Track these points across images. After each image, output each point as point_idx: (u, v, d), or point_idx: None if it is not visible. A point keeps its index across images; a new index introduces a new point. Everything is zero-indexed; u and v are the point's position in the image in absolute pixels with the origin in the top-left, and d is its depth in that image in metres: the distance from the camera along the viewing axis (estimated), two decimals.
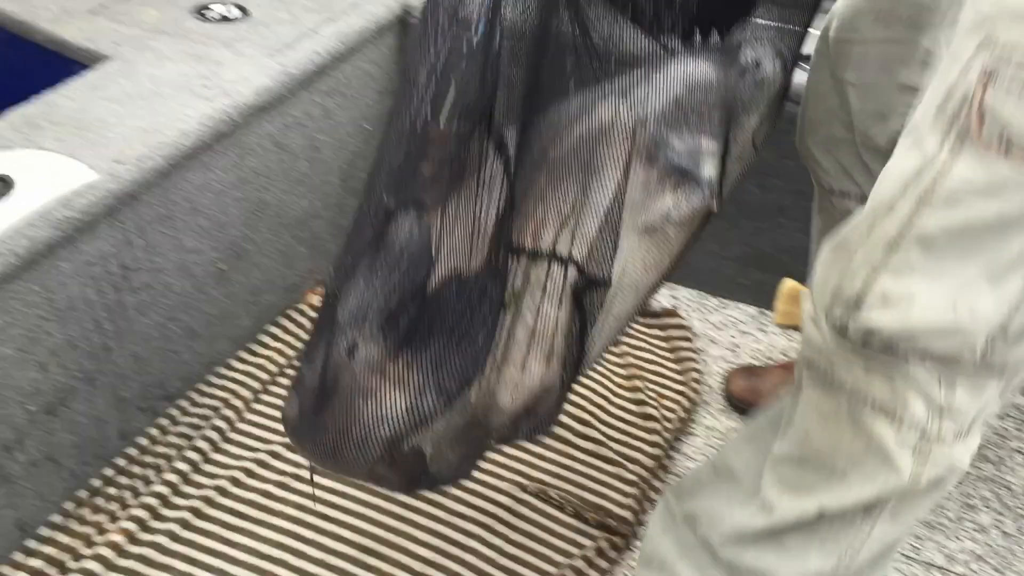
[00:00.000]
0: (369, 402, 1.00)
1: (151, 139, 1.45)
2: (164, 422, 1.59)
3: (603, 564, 1.48)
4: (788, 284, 1.92)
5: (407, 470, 1.09)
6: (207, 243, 1.59)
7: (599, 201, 1.07)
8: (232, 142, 1.58)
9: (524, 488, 1.57)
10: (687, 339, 1.89)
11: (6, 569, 1.32)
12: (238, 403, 1.65)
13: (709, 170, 1.16)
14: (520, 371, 1.08)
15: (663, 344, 1.89)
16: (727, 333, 1.93)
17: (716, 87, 1.17)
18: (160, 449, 1.55)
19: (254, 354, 1.76)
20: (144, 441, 1.55)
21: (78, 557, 1.36)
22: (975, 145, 0.84)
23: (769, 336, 1.92)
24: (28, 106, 1.51)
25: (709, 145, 1.17)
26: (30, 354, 1.30)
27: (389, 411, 1.00)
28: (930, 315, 0.89)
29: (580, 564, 1.46)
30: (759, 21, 1.23)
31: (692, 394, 1.75)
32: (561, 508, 1.55)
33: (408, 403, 1.00)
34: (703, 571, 1.15)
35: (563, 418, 1.67)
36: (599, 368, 1.78)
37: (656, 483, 1.61)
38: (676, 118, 1.14)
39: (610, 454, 1.64)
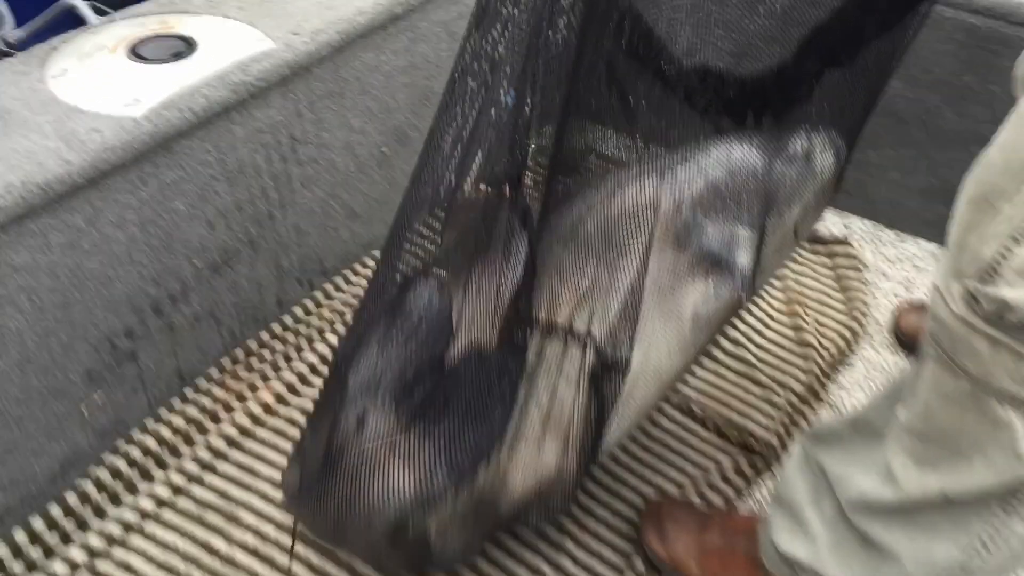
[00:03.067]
0: (376, 477, 0.94)
1: (328, 14, 1.47)
2: (319, 296, 1.64)
3: (738, 481, 1.43)
4: None
5: (410, 551, 1.03)
6: (372, 125, 1.60)
7: (624, 282, 1.01)
8: (406, 25, 1.58)
9: (667, 399, 1.53)
10: (856, 268, 1.78)
11: (163, 412, 1.40)
12: None
13: (743, 259, 1.10)
14: (534, 452, 1.01)
15: (828, 272, 1.80)
16: (901, 268, 1.81)
17: (759, 175, 1.10)
18: (314, 321, 1.59)
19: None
20: (299, 311, 1.60)
21: (229, 409, 1.43)
22: None
23: None
24: None
25: (745, 234, 1.10)
26: (200, 211, 1.35)
27: (397, 488, 0.93)
28: None
29: (715, 479, 1.42)
30: (817, 107, 1.15)
31: (855, 325, 1.66)
32: (703, 423, 1.50)
33: (417, 480, 0.93)
34: (832, 528, 1.10)
35: (716, 347, 1.62)
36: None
37: (806, 411, 1.54)
38: (713, 203, 1.08)
39: (760, 377, 1.57)
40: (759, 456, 1.46)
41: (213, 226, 1.38)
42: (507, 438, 0.98)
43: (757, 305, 1.68)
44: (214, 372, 1.47)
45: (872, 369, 1.61)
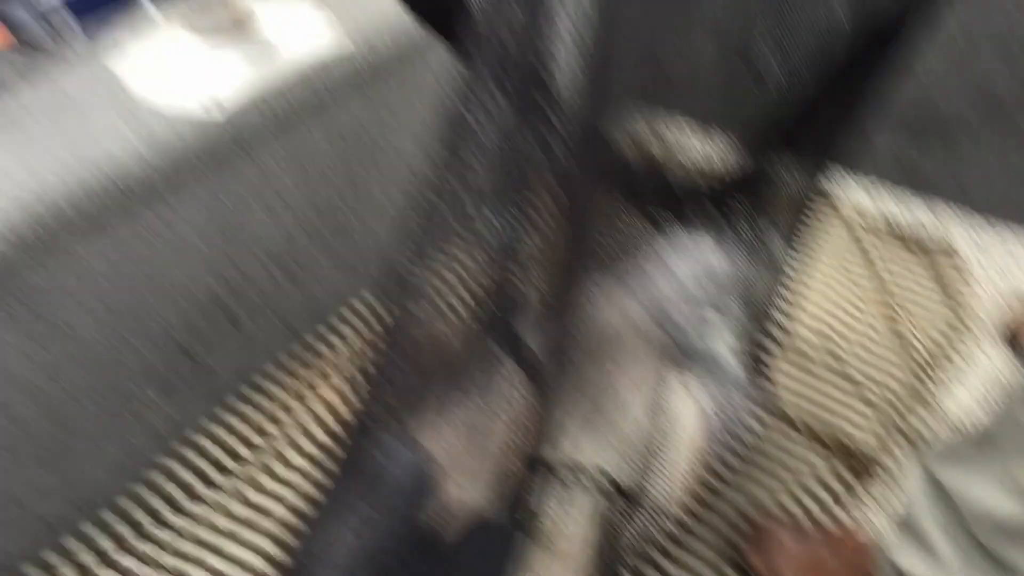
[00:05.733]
0: None
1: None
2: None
3: (837, 487, 1.32)
4: None
5: None
6: None
7: (627, 407, 0.94)
8: None
9: (750, 397, 1.43)
10: (948, 255, 1.66)
11: (221, 413, 1.32)
12: None
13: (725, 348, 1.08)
14: None
15: (923, 260, 1.68)
16: (1001, 259, 1.69)
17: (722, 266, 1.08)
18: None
19: None
20: (365, 309, 1.53)
21: (288, 410, 1.35)
22: None
23: None
24: None
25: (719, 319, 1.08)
26: (263, 202, 1.27)
27: None
28: None
29: (814, 485, 1.31)
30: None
31: (952, 317, 1.54)
32: (793, 425, 1.40)
33: None
34: (962, 551, 0.99)
35: (803, 334, 1.51)
36: (845, 286, 1.60)
37: (905, 410, 1.43)
38: (683, 301, 1.04)
39: (855, 374, 1.47)
40: (857, 459, 1.35)
41: (277, 215, 1.30)
42: None
43: (852, 302, 1.58)
44: (275, 371, 1.39)
45: (977, 367, 1.50)
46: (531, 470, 0.83)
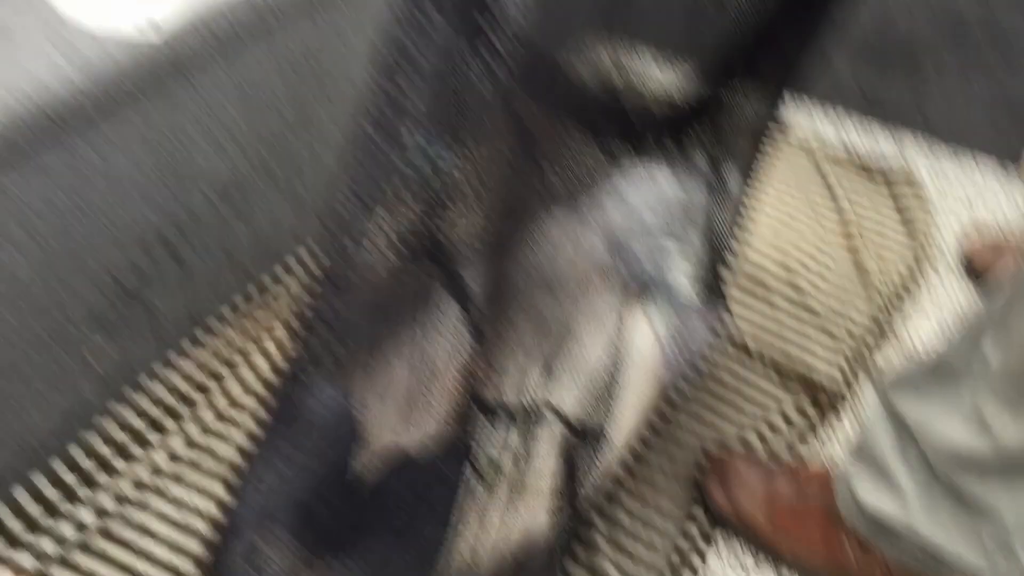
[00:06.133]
0: None
1: None
2: None
3: (801, 423, 1.32)
4: None
5: None
6: None
7: (584, 341, 0.90)
8: None
9: (716, 332, 1.41)
10: (912, 184, 1.65)
11: (172, 356, 1.27)
12: None
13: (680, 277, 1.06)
14: (501, 539, 0.89)
15: (885, 191, 1.67)
16: (961, 185, 1.68)
17: (676, 194, 1.06)
18: None
19: None
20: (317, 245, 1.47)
21: (246, 354, 1.30)
22: None
23: (1012, 193, 1.66)
24: None
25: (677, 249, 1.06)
26: (212, 137, 1.20)
27: None
28: None
29: (776, 419, 1.31)
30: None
31: (917, 249, 1.53)
32: (759, 359, 1.39)
33: None
34: (921, 482, 0.99)
35: (766, 264, 1.49)
36: (809, 215, 1.58)
37: (870, 342, 1.42)
38: (638, 229, 1.02)
39: (817, 306, 1.45)
40: (823, 393, 1.35)
41: (223, 148, 1.23)
42: (465, 535, 0.81)
43: (809, 227, 1.56)
44: (227, 312, 1.34)
45: (938, 297, 1.49)
46: (479, 410, 0.80)
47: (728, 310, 1.22)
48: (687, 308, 1.11)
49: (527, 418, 0.90)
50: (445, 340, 0.71)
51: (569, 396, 0.95)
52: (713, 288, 1.17)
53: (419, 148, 0.59)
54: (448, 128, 0.62)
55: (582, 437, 0.99)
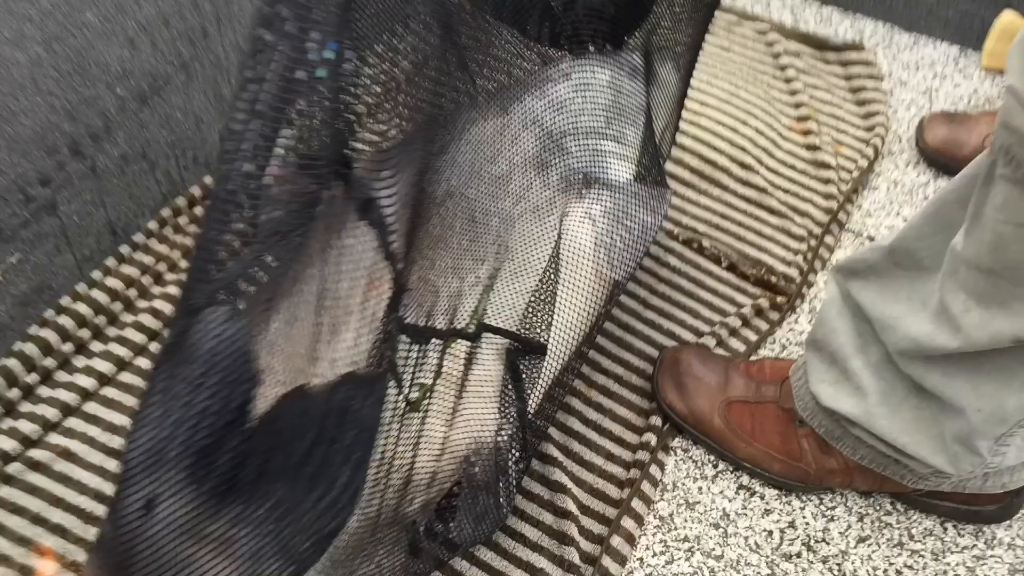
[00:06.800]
0: None
1: None
2: None
3: (762, 325, 1.28)
4: (1006, 18, 1.58)
5: None
6: None
7: (520, 244, 0.84)
8: None
9: (672, 235, 1.36)
10: (873, 78, 1.59)
11: (97, 274, 1.18)
12: None
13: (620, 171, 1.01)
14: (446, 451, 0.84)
15: (843, 83, 1.60)
16: (921, 75, 1.62)
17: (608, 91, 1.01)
18: None
19: None
20: None
21: (174, 267, 1.22)
22: None
23: (972, 81, 1.61)
24: None
25: (612, 146, 1.02)
26: (118, 27, 1.10)
27: None
28: None
29: (735, 322, 1.27)
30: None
31: (876, 141, 1.48)
32: (715, 260, 1.34)
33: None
34: (881, 377, 0.95)
35: (721, 162, 1.43)
36: (765, 108, 1.52)
37: (829, 239, 1.38)
38: (570, 127, 0.95)
39: (775, 204, 1.40)
40: (781, 293, 1.31)
41: (135, 46, 1.13)
42: (399, 466, 0.76)
43: (767, 122, 1.50)
44: (153, 226, 1.24)
45: (898, 189, 1.45)
46: (402, 336, 0.74)
47: (669, 200, 1.16)
48: (628, 199, 1.05)
49: (462, 337, 0.84)
50: (358, 268, 0.64)
51: (508, 304, 0.90)
52: (655, 179, 1.12)
53: (321, 51, 0.50)
54: (357, 28, 0.54)
55: (525, 344, 0.94)
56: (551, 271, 0.96)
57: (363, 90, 0.57)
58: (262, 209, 0.52)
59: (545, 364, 0.96)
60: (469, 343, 0.88)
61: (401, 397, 0.74)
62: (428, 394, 0.81)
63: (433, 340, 0.80)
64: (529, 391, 0.95)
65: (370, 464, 0.69)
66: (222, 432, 0.58)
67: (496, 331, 0.92)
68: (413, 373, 0.77)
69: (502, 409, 0.90)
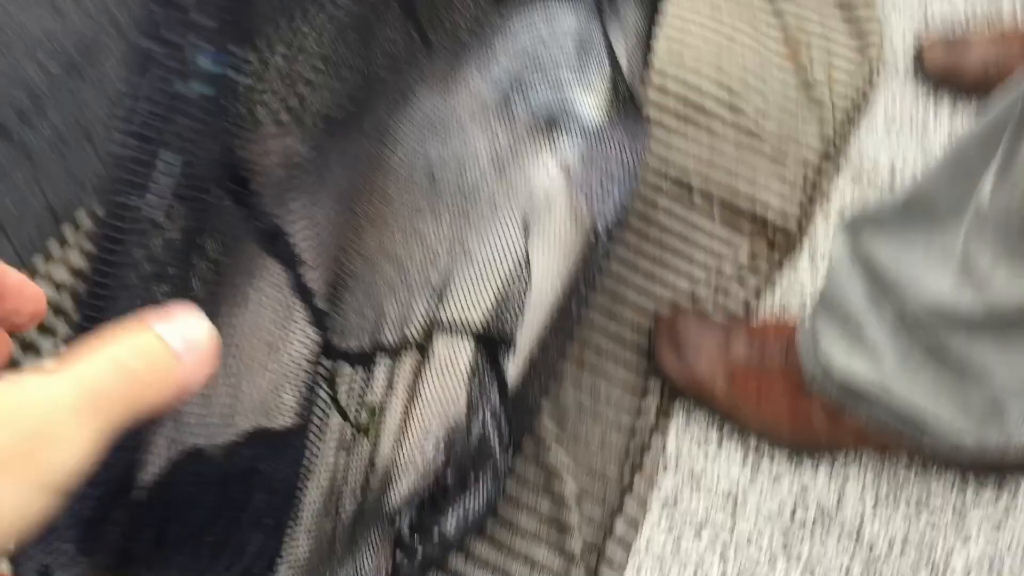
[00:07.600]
0: None
1: None
2: None
3: (758, 269, 1.20)
4: None
5: None
6: None
7: (484, 234, 0.77)
8: None
9: (662, 174, 1.27)
10: (868, 6, 1.49)
11: (38, 260, 1.09)
12: None
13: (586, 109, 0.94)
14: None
15: (836, 11, 1.50)
16: None
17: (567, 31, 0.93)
18: None
19: None
20: None
21: None
22: None
23: (969, 1, 1.51)
24: None
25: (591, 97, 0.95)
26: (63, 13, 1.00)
27: None
28: None
29: (729, 267, 1.19)
30: None
31: (870, 61, 1.39)
32: (707, 200, 1.25)
33: None
34: (897, 338, 0.87)
35: (708, 105, 1.33)
36: (751, 40, 1.42)
37: (828, 172, 1.29)
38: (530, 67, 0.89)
39: (763, 132, 1.31)
40: (778, 232, 1.22)
41: (62, 12, 1.03)
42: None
43: (753, 55, 1.40)
44: (99, 207, 1.15)
45: (897, 116, 1.36)
46: (339, 364, 0.66)
47: (647, 129, 1.07)
48: (599, 135, 0.96)
49: (412, 343, 0.76)
50: (266, 308, 0.54)
51: (476, 281, 0.81)
52: (628, 112, 1.02)
53: (200, 61, 0.40)
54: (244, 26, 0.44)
55: (498, 345, 0.86)
56: (519, 234, 0.88)
57: (256, 97, 0.47)
58: (139, 243, 0.42)
59: (524, 332, 0.88)
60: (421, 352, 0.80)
61: (346, 426, 0.66)
62: (377, 413, 0.73)
63: (380, 357, 0.72)
64: (505, 362, 0.87)
65: (308, 505, 0.62)
66: (108, 502, 0.49)
67: (459, 330, 0.83)
68: (360, 397, 0.69)
69: (478, 384, 0.82)
